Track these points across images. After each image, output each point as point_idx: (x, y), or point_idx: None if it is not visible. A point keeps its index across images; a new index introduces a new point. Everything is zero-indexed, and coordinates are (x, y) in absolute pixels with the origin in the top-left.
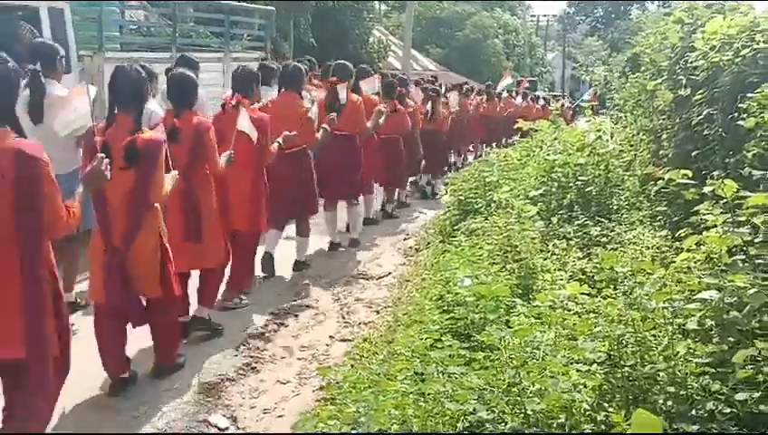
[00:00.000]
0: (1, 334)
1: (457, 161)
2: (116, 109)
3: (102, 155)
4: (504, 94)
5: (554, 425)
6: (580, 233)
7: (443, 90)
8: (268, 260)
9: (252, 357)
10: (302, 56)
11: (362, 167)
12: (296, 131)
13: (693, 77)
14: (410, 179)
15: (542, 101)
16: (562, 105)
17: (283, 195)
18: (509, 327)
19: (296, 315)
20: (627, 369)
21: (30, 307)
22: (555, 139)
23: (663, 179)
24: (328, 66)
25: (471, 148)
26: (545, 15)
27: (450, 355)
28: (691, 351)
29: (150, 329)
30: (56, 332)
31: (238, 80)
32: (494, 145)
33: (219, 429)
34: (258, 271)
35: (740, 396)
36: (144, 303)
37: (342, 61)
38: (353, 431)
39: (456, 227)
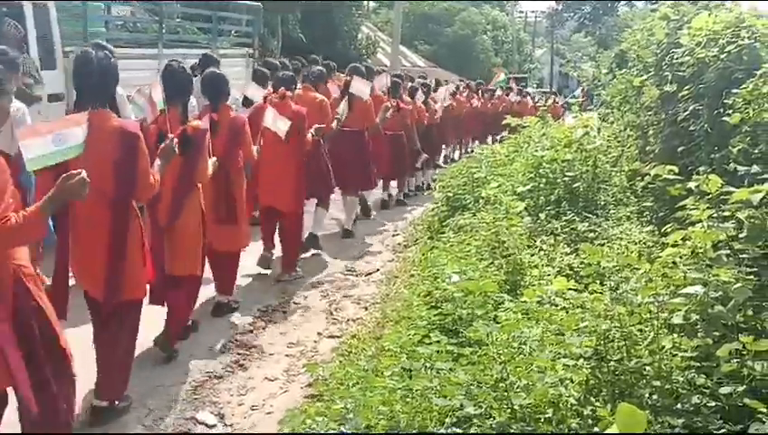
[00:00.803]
0: (90, 277)
1: (450, 154)
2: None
3: (172, 135)
4: (498, 92)
5: (541, 420)
6: (567, 229)
7: (433, 85)
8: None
9: (240, 354)
10: (291, 52)
11: (370, 161)
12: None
13: (679, 73)
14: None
15: (536, 98)
16: (554, 101)
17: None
18: (497, 323)
19: (284, 312)
20: (613, 363)
21: (116, 257)
22: (543, 135)
23: (649, 175)
24: (314, 71)
25: (463, 141)
26: (533, 12)
27: (438, 351)
28: (676, 345)
29: (169, 304)
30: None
31: (277, 78)
32: (489, 140)
33: (207, 426)
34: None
35: (725, 390)
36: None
37: (355, 64)
38: (343, 430)
39: (444, 224)
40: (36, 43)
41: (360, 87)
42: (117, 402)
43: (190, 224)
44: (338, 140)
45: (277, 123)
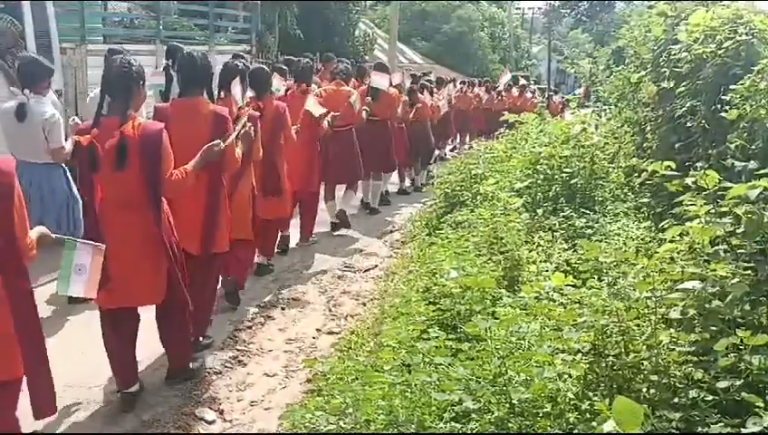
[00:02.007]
0: (189, 236)
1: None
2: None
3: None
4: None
5: (540, 414)
6: (565, 225)
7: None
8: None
9: (239, 350)
10: (288, 49)
11: (391, 148)
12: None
13: (676, 69)
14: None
15: (536, 94)
16: (551, 97)
17: (334, 163)
18: (495, 318)
19: (283, 308)
20: (611, 358)
21: (209, 220)
22: (541, 131)
23: (647, 171)
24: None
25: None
26: (530, 8)
27: (436, 346)
28: (674, 340)
29: (230, 265)
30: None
31: (299, 72)
32: (493, 135)
33: (206, 422)
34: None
35: (722, 384)
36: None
37: (379, 61)
38: (342, 424)
39: (442, 220)
40: (34, 39)
41: (379, 80)
42: (201, 339)
43: (245, 194)
44: (364, 128)
45: (316, 107)
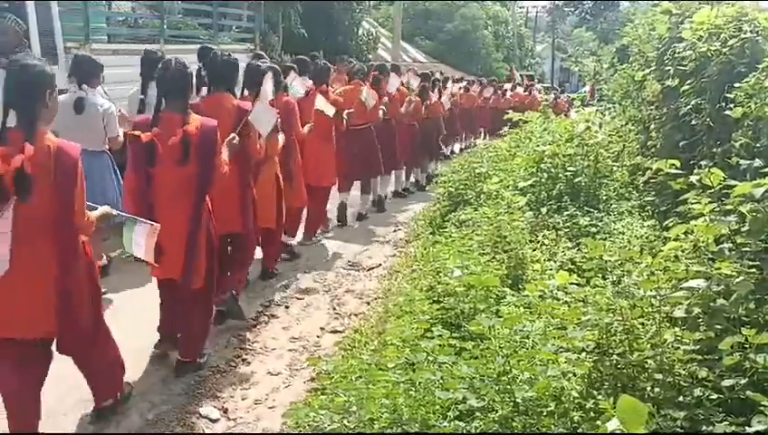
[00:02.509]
0: (226, 216)
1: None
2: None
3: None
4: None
5: (544, 413)
6: (569, 223)
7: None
8: (342, 209)
9: (242, 349)
10: (292, 48)
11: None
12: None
13: (681, 67)
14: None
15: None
16: (556, 97)
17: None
18: (499, 317)
19: (286, 307)
20: (615, 357)
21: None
22: (545, 130)
23: (651, 170)
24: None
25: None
26: (534, 6)
27: (440, 345)
28: (679, 338)
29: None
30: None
31: (318, 72)
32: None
33: (210, 420)
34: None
35: (727, 382)
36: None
37: (382, 62)
38: (346, 422)
39: (446, 219)
40: (38, 38)
41: (391, 82)
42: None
43: (267, 185)
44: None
45: (327, 106)
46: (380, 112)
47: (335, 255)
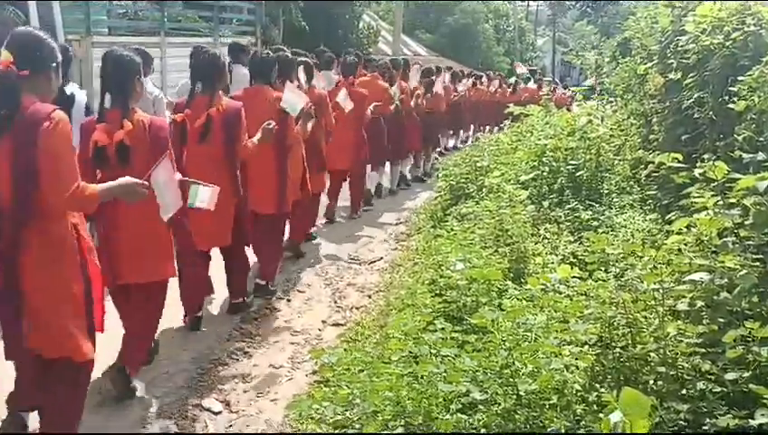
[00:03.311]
0: (263, 198)
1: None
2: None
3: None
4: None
5: (546, 406)
6: (570, 217)
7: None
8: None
9: (244, 342)
10: (292, 41)
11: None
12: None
13: (683, 61)
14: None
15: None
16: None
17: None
18: (501, 310)
19: (288, 300)
20: (618, 350)
21: (281, 184)
22: (546, 123)
23: (653, 163)
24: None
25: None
26: (535, 0)
27: (443, 338)
28: (682, 331)
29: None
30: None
31: (346, 67)
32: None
33: (212, 412)
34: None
35: (730, 376)
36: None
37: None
38: (348, 415)
39: (447, 212)
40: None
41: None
42: (269, 286)
43: (297, 164)
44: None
45: (346, 102)
46: (393, 106)
47: (336, 249)
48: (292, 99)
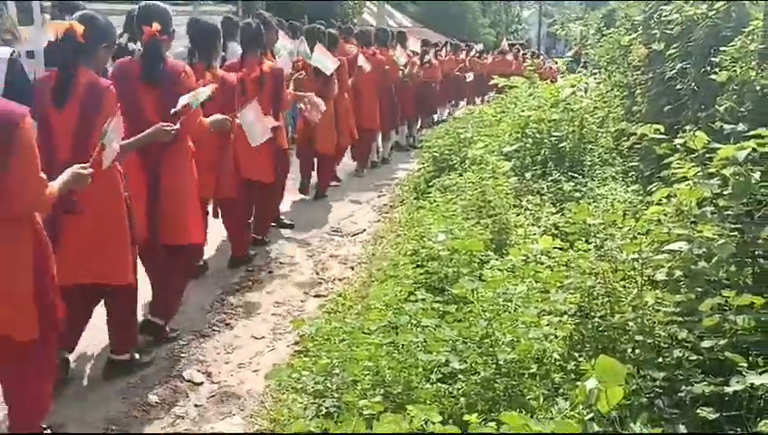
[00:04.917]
0: (261, 169)
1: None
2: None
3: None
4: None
5: (525, 374)
6: (553, 188)
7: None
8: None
9: (226, 313)
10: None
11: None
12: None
13: (667, 31)
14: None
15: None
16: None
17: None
18: (482, 281)
19: (270, 272)
20: (597, 319)
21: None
22: (530, 95)
23: (636, 135)
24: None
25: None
26: None
27: (424, 308)
28: (660, 301)
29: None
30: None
31: (361, 36)
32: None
33: (194, 383)
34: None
35: (706, 343)
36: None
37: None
38: (328, 384)
39: (430, 184)
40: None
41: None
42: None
43: (327, 119)
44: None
45: (365, 64)
46: (400, 73)
47: (319, 221)
48: (323, 59)
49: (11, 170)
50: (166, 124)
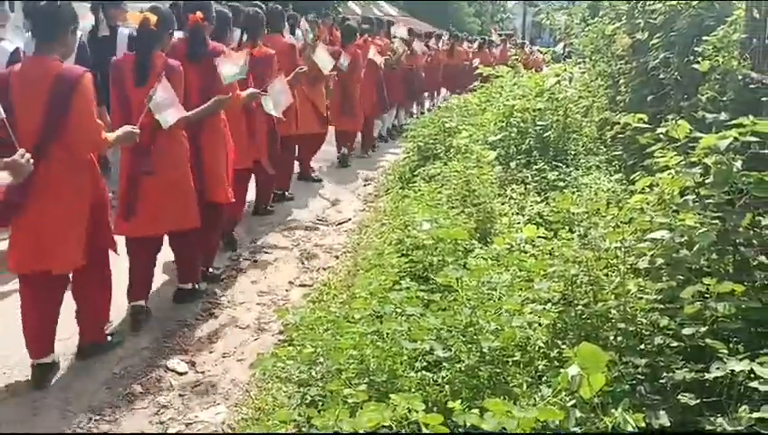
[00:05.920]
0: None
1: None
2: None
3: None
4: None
5: (509, 362)
6: (537, 178)
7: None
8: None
9: (210, 303)
10: None
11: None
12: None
13: (651, 21)
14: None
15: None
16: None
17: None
18: (467, 269)
19: (255, 261)
20: (580, 307)
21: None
22: (515, 84)
23: (619, 124)
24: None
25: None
26: None
27: (408, 297)
28: (642, 289)
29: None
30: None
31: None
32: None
33: (178, 373)
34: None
35: (687, 331)
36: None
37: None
38: (313, 373)
39: (415, 173)
40: None
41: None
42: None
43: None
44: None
45: (375, 57)
46: (386, 60)
47: (304, 210)
48: (323, 59)
49: (71, 113)
50: (223, 96)
